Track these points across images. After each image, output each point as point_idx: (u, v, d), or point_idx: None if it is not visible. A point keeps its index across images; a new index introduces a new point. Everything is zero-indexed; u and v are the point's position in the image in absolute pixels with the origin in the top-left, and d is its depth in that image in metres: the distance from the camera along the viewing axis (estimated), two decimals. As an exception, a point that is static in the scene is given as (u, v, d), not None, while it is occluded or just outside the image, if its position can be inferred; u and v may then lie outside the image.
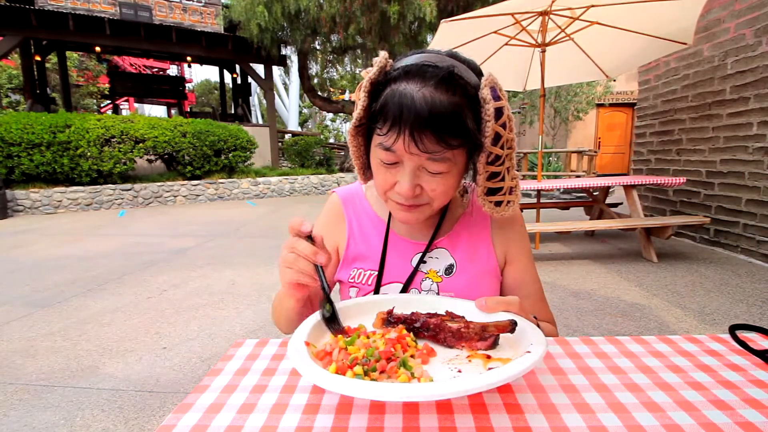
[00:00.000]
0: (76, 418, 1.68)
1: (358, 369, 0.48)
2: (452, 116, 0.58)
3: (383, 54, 0.63)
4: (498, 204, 0.69)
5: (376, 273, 0.77)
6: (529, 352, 0.48)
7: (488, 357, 0.52)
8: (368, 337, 0.55)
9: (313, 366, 0.46)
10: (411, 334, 0.57)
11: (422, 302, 0.68)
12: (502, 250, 0.79)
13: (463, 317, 0.59)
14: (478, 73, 0.65)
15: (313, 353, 0.51)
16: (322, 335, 0.58)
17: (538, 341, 0.50)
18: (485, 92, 0.60)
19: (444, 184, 0.63)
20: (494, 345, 0.55)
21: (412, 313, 0.61)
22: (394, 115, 0.58)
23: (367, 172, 0.72)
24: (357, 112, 0.63)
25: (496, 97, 0.60)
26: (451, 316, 0.59)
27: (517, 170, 0.69)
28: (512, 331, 0.53)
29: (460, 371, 0.50)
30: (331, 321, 0.59)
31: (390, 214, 0.80)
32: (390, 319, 0.60)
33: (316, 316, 0.60)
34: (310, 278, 0.58)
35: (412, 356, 0.52)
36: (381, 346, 0.52)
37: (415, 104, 0.56)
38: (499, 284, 0.80)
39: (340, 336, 0.55)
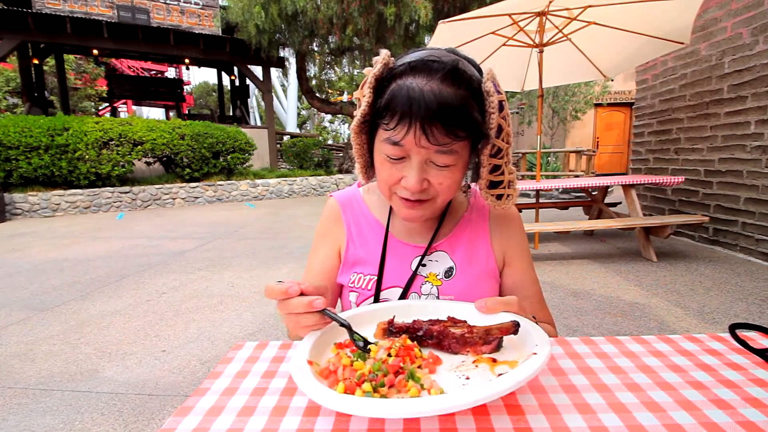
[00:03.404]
0: (75, 422, 1.68)
1: (366, 386, 0.46)
2: (460, 108, 0.59)
3: (385, 52, 0.64)
4: (499, 198, 0.71)
5: (376, 277, 0.76)
6: (535, 353, 0.47)
7: (494, 360, 0.52)
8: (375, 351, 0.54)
9: (325, 389, 0.45)
10: (415, 343, 0.56)
11: (422, 308, 0.67)
12: (500, 252, 0.79)
13: (465, 321, 0.58)
14: (478, 69, 0.66)
15: (317, 372, 0.50)
16: (324, 351, 0.57)
17: (542, 341, 0.50)
18: (489, 85, 0.61)
19: (450, 177, 0.64)
20: (498, 347, 0.54)
21: (414, 321, 0.60)
22: (403, 110, 0.58)
23: (369, 171, 0.72)
24: (362, 108, 0.63)
25: (497, 91, 0.62)
26: (453, 321, 0.58)
27: (516, 170, 0.70)
28: (515, 332, 0.53)
29: (468, 378, 0.50)
30: (364, 347, 0.56)
31: (389, 218, 0.80)
32: (391, 329, 0.59)
33: (314, 334, 0.58)
34: (320, 325, 0.56)
35: (419, 367, 0.51)
36: (389, 359, 0.50)
37: (424, 97, 0.57)
38: (498, 286, 0.79)
39: (342, 352, 0.54)
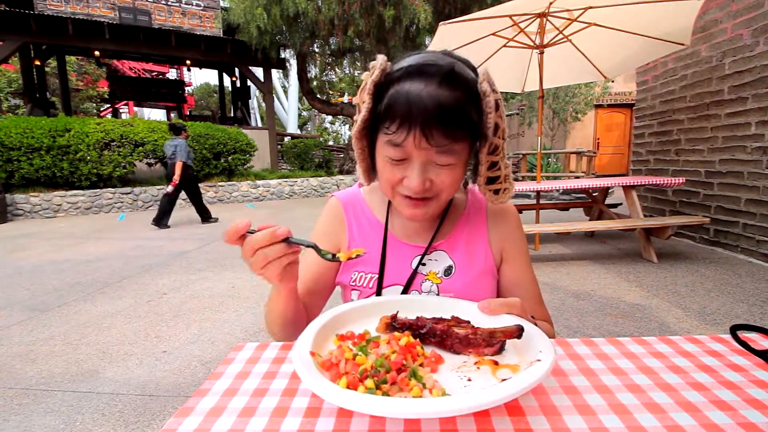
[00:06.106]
0: (76, 423, 1.68)
1: (369, 382, 0.46)
2: (458, 110, 0.60)
3: (382, 57, 0.65)
4: (496, 192, 0.73)
5: (377, 276, 0.77)
6: (539, 360, 0.47)
7: (496, 363, 0.52)
8: (378, 346, 0.53)
9: (328, 383, 0.44)
10: (418, 340, 0.56)
11: (425, 303, 0.67)
12: (498, 248, 0.80)
13: (468, 322, 0.58)
14: (473, 70, 0.67)
15: (318, 363, 0.50)
16: (325, 343, 0.57)
17: (547, 348, 0.50)
18: (485, 86, 0.63)
19: (452, 176, 0.65)
20: (500, 350, 0.54)
21: (418, 318, 0.59)
22: (402, 114, 0.59)
23: (371, 174, 0.74)
24: (362, 114, 0.65)
25: (493, 91, 0.63)
26: (456, 321, 0.58)
27: (517, 171, 0.71)
28: (519, 336, 0.53)
29: (470, 380, 0.50)
30: (333, 258, 0.61)
31: (387, 218, 0.81)
32: (394, 324, 0.59)
33: (316, 324, 0.59)
34: (288, 256, 0.57)
35: (421, 365, 0.51)
36: (392, 356, 0.50)
37: (422, 101, 0.58)
38: (496, 283, 0.80)
39: (344, 345, 0.54)
